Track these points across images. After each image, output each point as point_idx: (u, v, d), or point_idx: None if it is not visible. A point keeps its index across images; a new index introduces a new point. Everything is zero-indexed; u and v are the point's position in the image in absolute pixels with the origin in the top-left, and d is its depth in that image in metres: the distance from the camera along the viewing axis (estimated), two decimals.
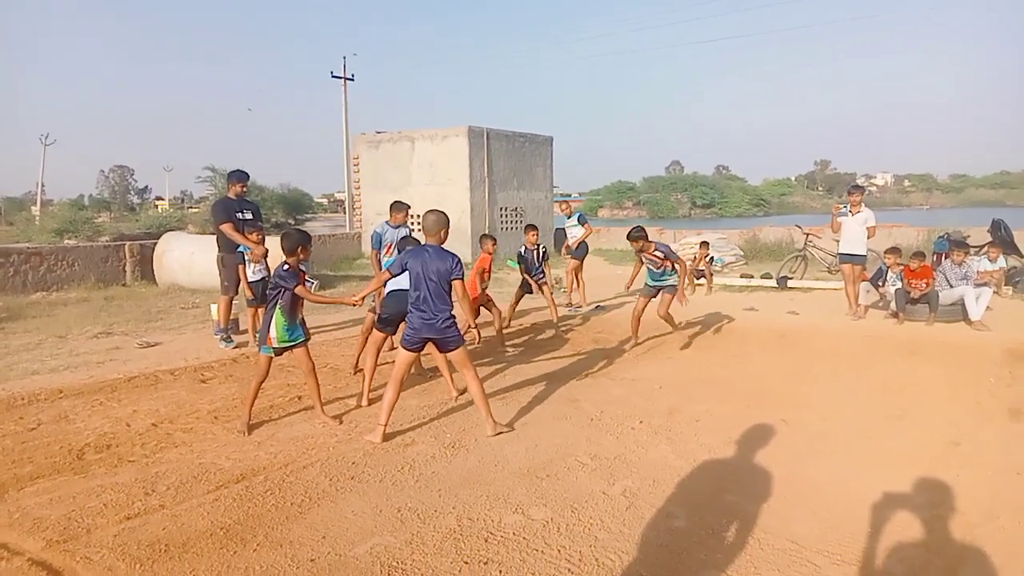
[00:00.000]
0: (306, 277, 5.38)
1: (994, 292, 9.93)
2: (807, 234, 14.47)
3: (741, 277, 14.14)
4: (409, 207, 7.91)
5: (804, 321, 9.72)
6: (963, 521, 3.68)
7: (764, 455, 4.64)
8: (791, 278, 13.21)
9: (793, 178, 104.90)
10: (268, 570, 3.26)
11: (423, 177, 18.65)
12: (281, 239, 5.29)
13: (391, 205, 7.85)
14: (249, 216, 8.06)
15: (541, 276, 9.22)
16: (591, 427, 5.31)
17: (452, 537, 3.57)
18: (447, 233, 5.15)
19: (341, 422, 5.41)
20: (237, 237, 7.80)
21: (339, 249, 17.84)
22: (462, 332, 5.20)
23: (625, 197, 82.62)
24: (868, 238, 9.83)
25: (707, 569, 3.24)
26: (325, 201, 71.88)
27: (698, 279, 13.02)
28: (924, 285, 9.26)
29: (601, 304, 11.20)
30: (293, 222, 37.45)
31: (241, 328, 8.74)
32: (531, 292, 9.16)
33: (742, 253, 17.50)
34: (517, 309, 9.50)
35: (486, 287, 8.38)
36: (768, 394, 6.12)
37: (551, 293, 9.35)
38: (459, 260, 5.03)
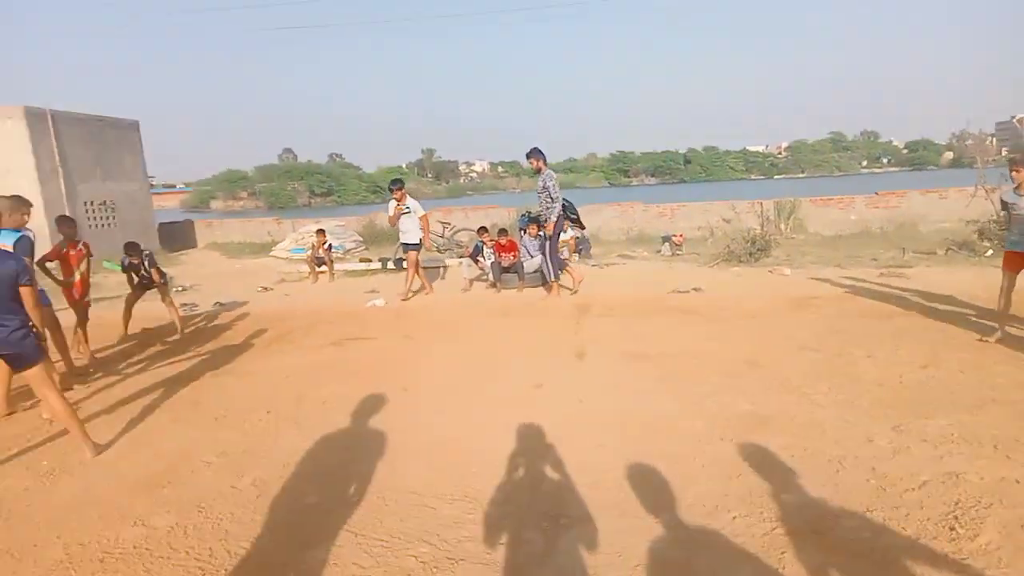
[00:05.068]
0: None
1: (565, 259, 11.98)
2: None
3: (361, 262, 14.70)
4: None
5: (418, 298, 10.56)
6: (542, 444, 4.53)
7: (386, 422, 5.05)
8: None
9: (404, 165, 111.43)
10: None
11: None
12: None
13: None
14: None
15: (150, 282, 8.44)
16: (216, 426, 5.16)
17: (60, 568, 3.23)
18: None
19: None
20: None
21: None
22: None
23: (238, 187, 78.64)
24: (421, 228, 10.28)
25: (340, 533, 3.48)
26: None
27: (319, 266, 13.19)
28: (512, 257, 10.78)
29: (222, 301, 10.70)
30: None
31: None
32: (150, 287, 8.36)
33: (361, 239, 18.13)
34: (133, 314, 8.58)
35: (72, 283, 7.21)
36: (390, 368, 6.60)
37: (169, 296, 8.63)
38: (24, 262, 4.40)
